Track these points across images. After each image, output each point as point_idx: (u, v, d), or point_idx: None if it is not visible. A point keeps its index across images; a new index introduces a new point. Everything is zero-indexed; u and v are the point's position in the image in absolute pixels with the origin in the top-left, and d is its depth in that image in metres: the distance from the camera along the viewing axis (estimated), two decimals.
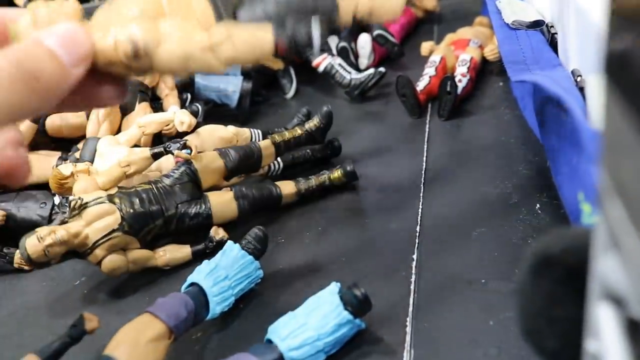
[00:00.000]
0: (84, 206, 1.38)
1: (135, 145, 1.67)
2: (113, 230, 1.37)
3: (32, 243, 1.32)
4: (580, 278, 0.57)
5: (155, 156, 1.52)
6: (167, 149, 1.51)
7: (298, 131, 1.71)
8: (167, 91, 1.92)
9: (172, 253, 1.45)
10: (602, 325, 0.49)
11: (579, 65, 1.18)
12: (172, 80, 1.94)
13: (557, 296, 0.59)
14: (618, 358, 0.45)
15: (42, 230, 1.33)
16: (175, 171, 1.51)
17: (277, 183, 1.58)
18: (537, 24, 1.43)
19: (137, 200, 1.42)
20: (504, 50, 1.36)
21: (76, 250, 1.37)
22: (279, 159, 1.72)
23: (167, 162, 1.60)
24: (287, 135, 1.68)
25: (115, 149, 1.60)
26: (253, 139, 1.74)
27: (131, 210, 1.40)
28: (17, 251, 1.59)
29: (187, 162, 1.52)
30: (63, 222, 1.39)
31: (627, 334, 0.44)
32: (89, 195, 1.41)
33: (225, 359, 1.04)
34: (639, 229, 0.37)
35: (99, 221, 1.37)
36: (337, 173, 1.59)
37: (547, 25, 1.43)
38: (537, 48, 1.33)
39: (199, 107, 1.95)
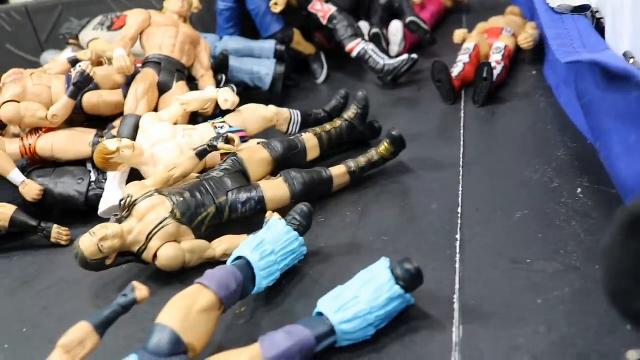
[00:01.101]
0: (133, 203, 1.38)
1: (176, 123, 1.67)
2: (165, 219, 1.35)
3: (85, 239, 1.31)
4: None
5: (200, 155, 1.51)
6: (211, 146, 1.51)
7: (337, 122, 1.71)
8: (203, 72, 1.93)
9: (230, 242, 1.39)
10: None
11: (631, 48, 1.18)
12: (207, 60, 1.95)
13: None
14: None
15: (94, 228, 1.33)
16: (222, 163, 1.51)
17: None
18: (582, 9, 1.43)
19: (186, 192, 1.41)
20: (550, 33, 1.36)
21: (132, 252, 1.37)
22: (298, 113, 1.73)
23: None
24: (328, 127, 1.68)
25: (158, 126, 1.61)
26: (293, 120, 1.74)
27: (181, 199, 1.39)
28: (54, 225, 1.60)
29: (233, 154, 1.52)
30: (118, 222, 1.39)
31: None
32: (138, 192, 1.40)
33: (276, 331, 1.04)
34: None
35: (150, 214, 1.36)
36: (383, 145, 1.56)
37: (592, 11, 1.43)
38: (584, 31, 1.34)
39: (234, 88, 1.95)
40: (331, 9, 2.11)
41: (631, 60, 1.13)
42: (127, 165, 1.58)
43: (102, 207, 1.60)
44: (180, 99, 1.67)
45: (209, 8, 2.19)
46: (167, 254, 1.32)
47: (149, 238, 1.34)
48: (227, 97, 1.65)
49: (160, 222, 1.34)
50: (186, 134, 1.62)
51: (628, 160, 0.98)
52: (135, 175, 1.64)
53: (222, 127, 1.64)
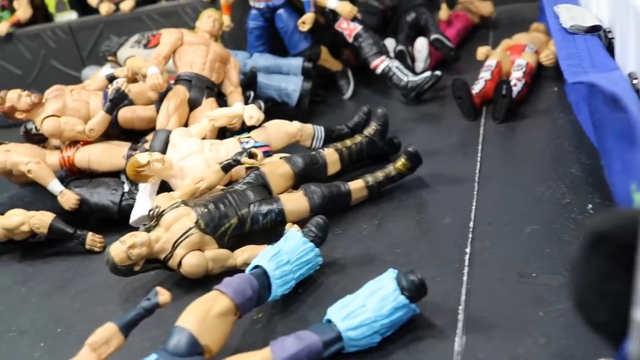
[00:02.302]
0: (161, 213, 1.47)
1: (204, 138, 1.76)
2: (190, 229, 1.43)
3: (115, 246, 1.41)
4: (631, 255, 0.62)
5: (225, 169, 1.59)
6: (235, 160, 1.59)
7: (358, 138, 1.78)
8: (232, 88, 2.02)
9: (251, 252, 1.45)
10: None
11: (636, 69, 1.21)
12: (237, 78, 2.03)
13: (609, 271, 0.64)
14: None
15: (124, 236, 1.42)
16: (246, 177, 1.59)
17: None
18: (594, 29, 1.46)
19: (211, 204, 1.49)
20: (561, 53, 1.40)
21: (159, 259, 1.45)
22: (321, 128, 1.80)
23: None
24: (349, 142, 1.75)
25: (187, 140, 1.70)
26: (316, 136, 1.82)
27: (205, 210, 1.47)
28: (89, 233, 1.70)
29: (256, 168, 1.59)
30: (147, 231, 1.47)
31: None
32: (166, 203, 1.49)
33: (287, 336, 1.11)
34: None
35: (176, 224, 1.45)
36: (400, 161, 1.61)
37: (604, 31, 1.47)
38: (594, 52, 1.37)
39: (262, 104, 2.04)
40: (357, 27, 2.18)
41: (635, 81, 1.17)
42: (158, 178, 1.67)
43: (133, 216, 1.70)
44: (209, 115, 1.76)
45: (240, 26, 2.28)
46: (190, 262, 1.41)
47: (174, 246, 1.42)
48: (252, 113, 1.73)
49: (186, 232, 1.42)
50: (213, 149, 1.71)
51: (624, 175, 1.03)
52: (165, 187, 1.73)
53: (247, 142, 1.72)
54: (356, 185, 1.60)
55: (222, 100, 2.00)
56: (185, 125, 1.87)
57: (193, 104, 1.90)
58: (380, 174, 1.62)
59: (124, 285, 1.54)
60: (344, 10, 2.16)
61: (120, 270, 1.43)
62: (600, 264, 0.64)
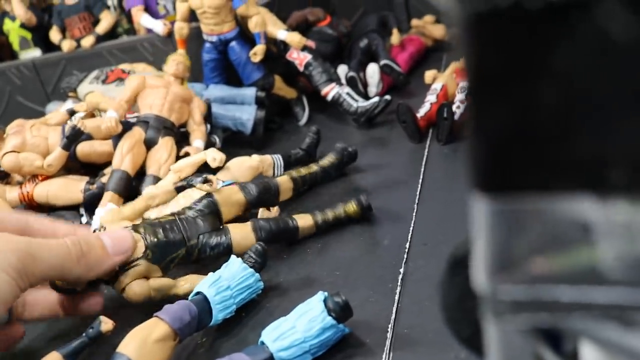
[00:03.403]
0: None
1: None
2: (137, 259, 1.46)
3: None
4: None
5: (178, 190, 1.66)
6: (190, 183, 1.65)
7: (314, 167, 1.85)
8: (195, 127, 2.09)
9: (193, 281, 1.48)
10: (483, 315, 0.61)
11: None
12: (199, 116, 2.10)
13: (468, 291, 0.71)
14: (489, 339, 0.58)
15: None
16: (198, 203, 1.62)
17: (295, 216, 1.66)
18: None
19: (160, 230, 1.51)
20: None
21: (103, 279, 1.48)
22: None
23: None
24: (304, 171, 1.83)
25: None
26: (276, 164, 1.91)
27: (155, 240, 1.49)
28: None
29: (209, 194, 1.64)
30: None
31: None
32: (115, 226, 1.53)
33: (221, 358, 1.17)
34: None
35: None
36: (352, 207, 1.66)
37: None
38: None
39: (217, 138, 2.12)
40: (307, 56, 2.26)
41: None
42: None
43: None
44: (173, 167, 1.81)
45: (197, 59, 2.36)
46: (134, 290, 1.45)
47: (119, 272, 1.46)
48: (215, 156, 1.79)
49: (133, 261, 1.48)
50: (186, 195, 1.73)
51: None
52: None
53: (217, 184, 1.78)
54: (305, 223, 1.64)
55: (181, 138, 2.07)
56: (143, 164, 1.94)
57: (150, 144, 1.97)
58: (330, 215, 1.67)
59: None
60: (293, 41, 2.25)
61: (61, 289, 1.45)
62: (460, 284, 0.71)
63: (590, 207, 0.39)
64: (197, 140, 2.06)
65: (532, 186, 0.41)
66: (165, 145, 1.96)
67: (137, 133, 1.97)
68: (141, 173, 1.96)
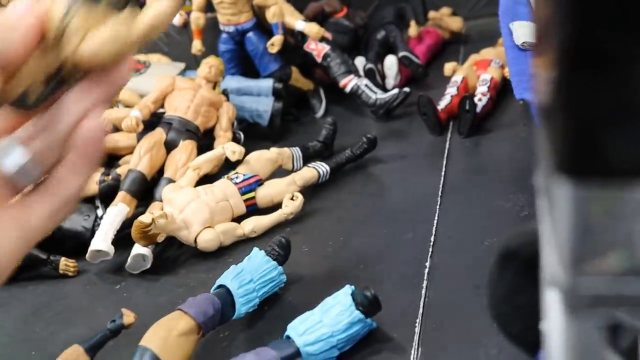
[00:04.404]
0: None
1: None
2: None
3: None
4: (536, 269, 0.66)
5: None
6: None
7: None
8: (221, 133, 2.06)
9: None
10: (549, 308, 0.58)
11: None
12: (227, 123, 2.07)
13: (518, 285, 0.69)
14: (558, 335, 0.55)
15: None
16: None
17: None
18: None
19: None
20: (513, 70, 1.45)
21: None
22: (325, 165, 1.85)
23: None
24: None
25: (180, 192, 1.72)
26: (294, 156, 1.90)
27: None
28: (62, 258, 1.73)
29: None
30: None
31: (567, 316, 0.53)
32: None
33: (246, 353, 1.15)
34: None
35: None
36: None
37: None
38: None
39: (241, 134, 2.10)
40: (325, 47, 2.23)
41: None
42: (164, 234, 1.65)
43: (89, 253, 1.69)
44: (191, 164, 1.79)
45: (213, 50, 2.33)
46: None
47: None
48: (234, 149, 1.79)
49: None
50: (208, 191, 1.73)
51: None
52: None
53: (237, 177, 1.77)
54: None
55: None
56: (163, 165, 1.91)
57: (170, 146, 1.94)
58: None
59: (98, 307, 1.57)
60: (311, 32, 2.21)
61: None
62: (509, 279, 0.68)
63: None
64: (220, 147, 2.01)
65: (627, 172, 0.38)
66: (185, 148, 1.92)
67: (158, 134, 1.94)
68: (160, 172, 1.92)
